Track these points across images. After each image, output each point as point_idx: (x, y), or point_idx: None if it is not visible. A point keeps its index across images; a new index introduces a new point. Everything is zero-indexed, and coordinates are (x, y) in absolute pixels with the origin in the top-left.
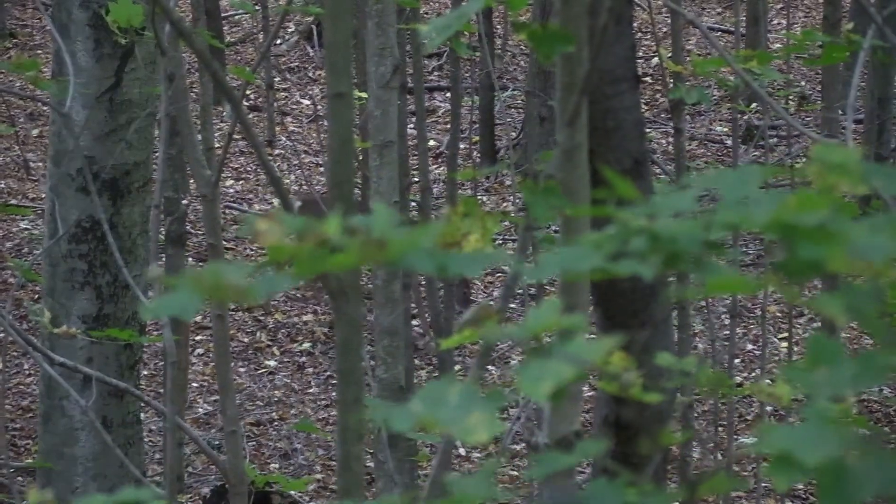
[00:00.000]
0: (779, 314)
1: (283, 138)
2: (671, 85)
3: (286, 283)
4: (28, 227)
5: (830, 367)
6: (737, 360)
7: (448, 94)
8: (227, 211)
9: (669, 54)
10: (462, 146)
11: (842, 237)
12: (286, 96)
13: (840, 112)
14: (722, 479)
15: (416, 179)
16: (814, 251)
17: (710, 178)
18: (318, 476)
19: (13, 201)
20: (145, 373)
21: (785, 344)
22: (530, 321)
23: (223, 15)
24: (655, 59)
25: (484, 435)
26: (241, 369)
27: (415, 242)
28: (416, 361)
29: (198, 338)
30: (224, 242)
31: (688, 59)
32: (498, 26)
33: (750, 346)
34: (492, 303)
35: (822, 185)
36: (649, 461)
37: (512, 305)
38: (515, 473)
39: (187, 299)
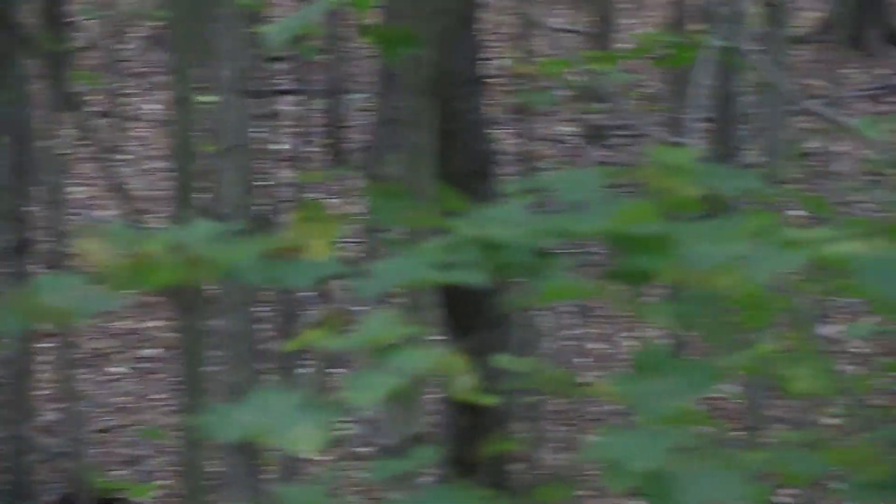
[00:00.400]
0: (628, 313)
1: (131, 143)
2: (519, 86)
3: (111, 302)
4: None
5: (659, 376)
6: (588, 360)
7: (296, 98)
8: (74, 217)
9: (518, 56)
10: (310, 149)
11: (673, 246)
12: (134, 101)
13: (687, 111)
14: (557, 487)
15: (265, 183)
16: (645, 261)
17: (551, 180)
18: (166, 482)
19: None
20: None
21: (635, 343)
22: (367, 329)
23: (69, 20)
24: (503, 61)
25: (310, 446)
26: (88, 376)
27: (238, 257)
28: (265, 366)
29: (43, 345)
30: (71, 248)
31: (536, 60)
32: (347, 29)
33: (601, 345)
34: (341, 306)
35: (660, 186)
36: (491, 465)
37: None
38: (366, 475)
39: (12, 318)
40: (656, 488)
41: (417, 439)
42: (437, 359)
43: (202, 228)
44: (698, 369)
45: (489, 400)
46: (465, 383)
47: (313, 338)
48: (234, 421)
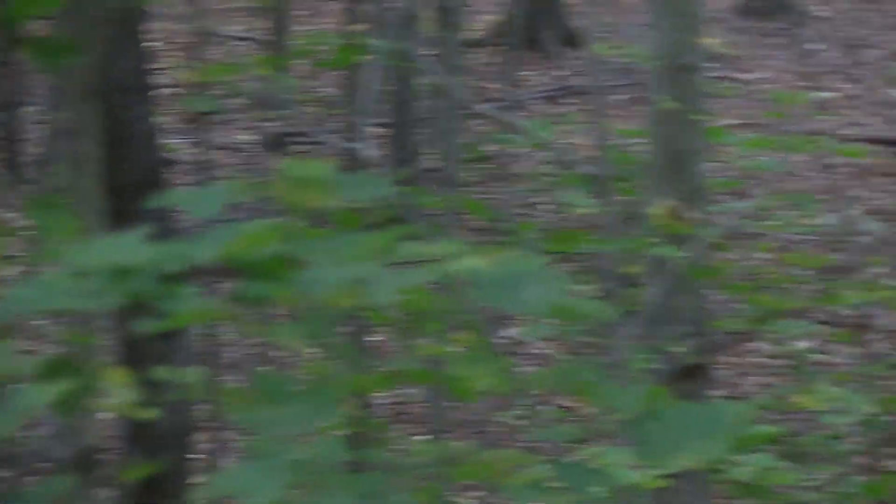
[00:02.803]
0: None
1: None
2: (190, 95)
3: None
4: None
5: (280, 404)
6: (272, 368)
7: None
8: None
9: (186, 64)
10: None
11: (292, 269)
12: None
13: (360, 117)
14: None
15: None
16: (264, 286)
17: (180, 197)
18: None
19: None
20: None
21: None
22: None
23: None
24: (178, 70)
25: None
26: None
27: None
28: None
29: None
30: None
31: (207, 68)
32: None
33: (285, 353)
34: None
35: (292, 201)
36: (167, 478)
37: None
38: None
39: None
40: None
41: (93, 450)
42: (62, 392)
43: None
44: (318, 395)
45: (148, 414)
46: (123, 397)
47: None
48: None
